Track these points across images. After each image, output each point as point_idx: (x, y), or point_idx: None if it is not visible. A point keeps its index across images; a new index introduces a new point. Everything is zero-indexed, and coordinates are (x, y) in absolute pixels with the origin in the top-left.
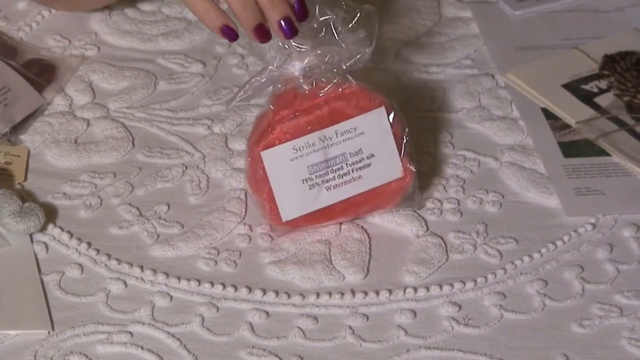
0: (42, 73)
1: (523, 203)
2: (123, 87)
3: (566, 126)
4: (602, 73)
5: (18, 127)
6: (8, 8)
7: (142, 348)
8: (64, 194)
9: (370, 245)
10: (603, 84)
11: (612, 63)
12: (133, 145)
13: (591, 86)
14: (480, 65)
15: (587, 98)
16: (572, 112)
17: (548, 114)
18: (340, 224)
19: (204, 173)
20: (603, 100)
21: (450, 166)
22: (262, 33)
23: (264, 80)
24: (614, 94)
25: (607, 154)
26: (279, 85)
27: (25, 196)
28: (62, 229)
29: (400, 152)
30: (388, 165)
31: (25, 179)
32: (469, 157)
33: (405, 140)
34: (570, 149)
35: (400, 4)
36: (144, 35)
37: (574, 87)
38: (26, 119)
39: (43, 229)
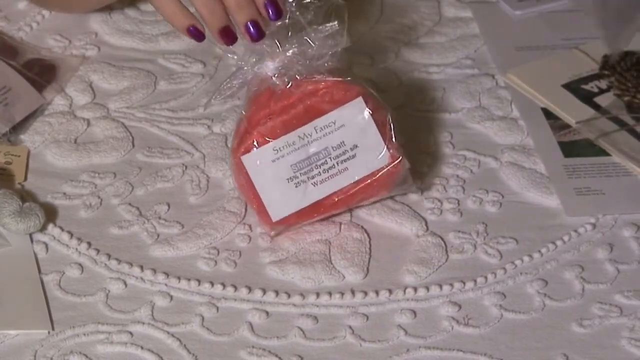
0: (42, 73)
1: (523, 203)
2: (123, 87)
3: (566, 126)
4: (602, 73)
5: (18, 127)
6: (8, 8)
7: (142, 348)
8: (64, 193)
9: (370, 245)
10: (603, 84)
11: (612, 63)
12: (133, 145)
13: (591, 86)
14: (480, 65)
15: (587, 98)
16: (572, 112)
17: (548, 114)
18: (340, 223)
19: (204, 173)
20: (603, 100)
21: (450, 166)
22: (228, 35)
23: (238, 81)
24: (614, 94)
25: (607, 154)
26: (254, 88)
27: (25, 196)
28: (62, 229)
29: (384, 138)
30: (373, 153)
31: (25, 179)
32: (469, 157)
33: (389, 126)
34: (571, 149)
35: (400, 4)
36: (144, 35)
37: (574, 87)
38: (26, 119)
39: (43, 228)
